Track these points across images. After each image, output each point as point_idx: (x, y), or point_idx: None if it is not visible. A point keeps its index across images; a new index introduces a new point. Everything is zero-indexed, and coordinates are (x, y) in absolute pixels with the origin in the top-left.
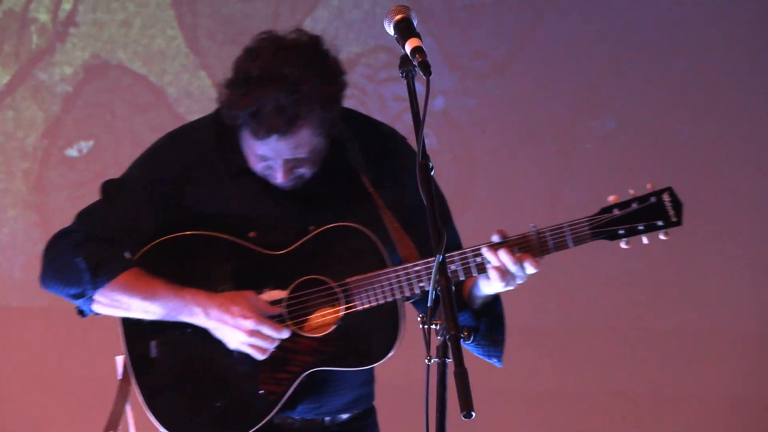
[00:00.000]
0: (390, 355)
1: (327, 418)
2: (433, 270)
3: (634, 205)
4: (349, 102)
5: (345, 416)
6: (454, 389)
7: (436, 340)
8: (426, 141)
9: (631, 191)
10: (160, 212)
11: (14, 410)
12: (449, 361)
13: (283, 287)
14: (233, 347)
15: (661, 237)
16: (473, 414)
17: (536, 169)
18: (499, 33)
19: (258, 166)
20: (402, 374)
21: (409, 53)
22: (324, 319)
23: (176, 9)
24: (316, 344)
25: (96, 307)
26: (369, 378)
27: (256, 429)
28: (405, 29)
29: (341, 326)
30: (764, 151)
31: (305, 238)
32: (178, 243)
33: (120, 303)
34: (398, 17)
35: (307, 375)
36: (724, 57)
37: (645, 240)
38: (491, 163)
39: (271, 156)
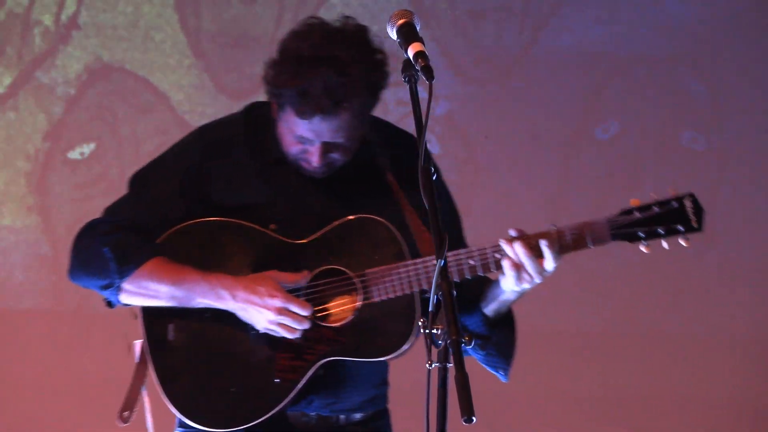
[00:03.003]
0: (404, 348)
1: (342, 416)
2: (435, 275)
3: (655, 209)
4: None
5: (359, 415)
6: (455, 394)
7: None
8: (428, 146)
9: (653, 194)
10: (188, 201)
11: (19, 411)
12: (450, 365)
13: None
14: (261, 328)
15: (682, 243)
16: (474, 419)
17: (539, 174)
18: (502, 38)
19: (294, 149)
20: (408, 378)
21: (411, 58)
22: (341, 309)
23: (179, 12)
24: (333, 334)
25: (123, 297)
26: (383, 379)
27: (270, 416)
28: (408, 33)
29: (358, 317)
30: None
31: (326, 228)
32: (199, 228)
33: (147, 290)
34: (401, 22)
35: (321, 364)
36: (727, 62)
37: (665, 245)
38: (494, 168)
39: (310, 137)
